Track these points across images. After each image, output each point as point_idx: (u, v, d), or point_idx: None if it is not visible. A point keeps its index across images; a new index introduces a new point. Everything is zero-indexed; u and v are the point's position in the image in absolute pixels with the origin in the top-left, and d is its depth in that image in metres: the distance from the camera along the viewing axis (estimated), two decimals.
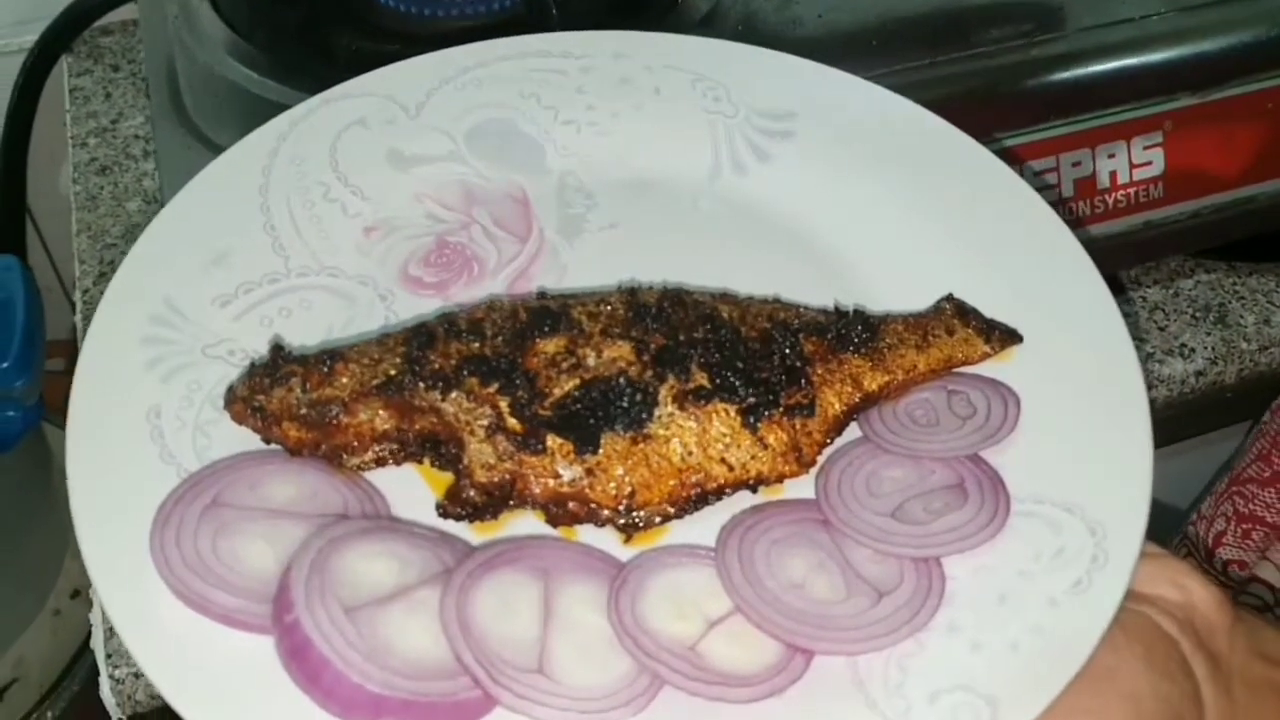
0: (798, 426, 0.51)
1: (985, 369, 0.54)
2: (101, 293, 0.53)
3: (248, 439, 0.51)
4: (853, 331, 0.53)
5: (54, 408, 0.96)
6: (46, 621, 0.99)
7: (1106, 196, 0.81)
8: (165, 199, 0.71)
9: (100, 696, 0.66)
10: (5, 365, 0.85)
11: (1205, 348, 0.85)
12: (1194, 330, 0.86)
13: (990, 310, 0.56)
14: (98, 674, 0.67)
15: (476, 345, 0.51)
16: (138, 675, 0.66)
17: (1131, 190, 0.82)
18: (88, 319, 0.80)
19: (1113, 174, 0.81)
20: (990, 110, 0.77)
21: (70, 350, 0.97)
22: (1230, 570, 0.92)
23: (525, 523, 0.50)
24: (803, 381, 0.51)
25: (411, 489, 0.50)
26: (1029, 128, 0.78)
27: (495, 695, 0.43)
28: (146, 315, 0.54)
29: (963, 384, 0.54)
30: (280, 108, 0.63)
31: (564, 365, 0.50)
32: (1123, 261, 0.88)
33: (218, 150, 0.72)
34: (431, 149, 0.62)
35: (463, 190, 0.61)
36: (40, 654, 1.00)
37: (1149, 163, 0.82)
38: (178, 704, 0.42)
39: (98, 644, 0.65)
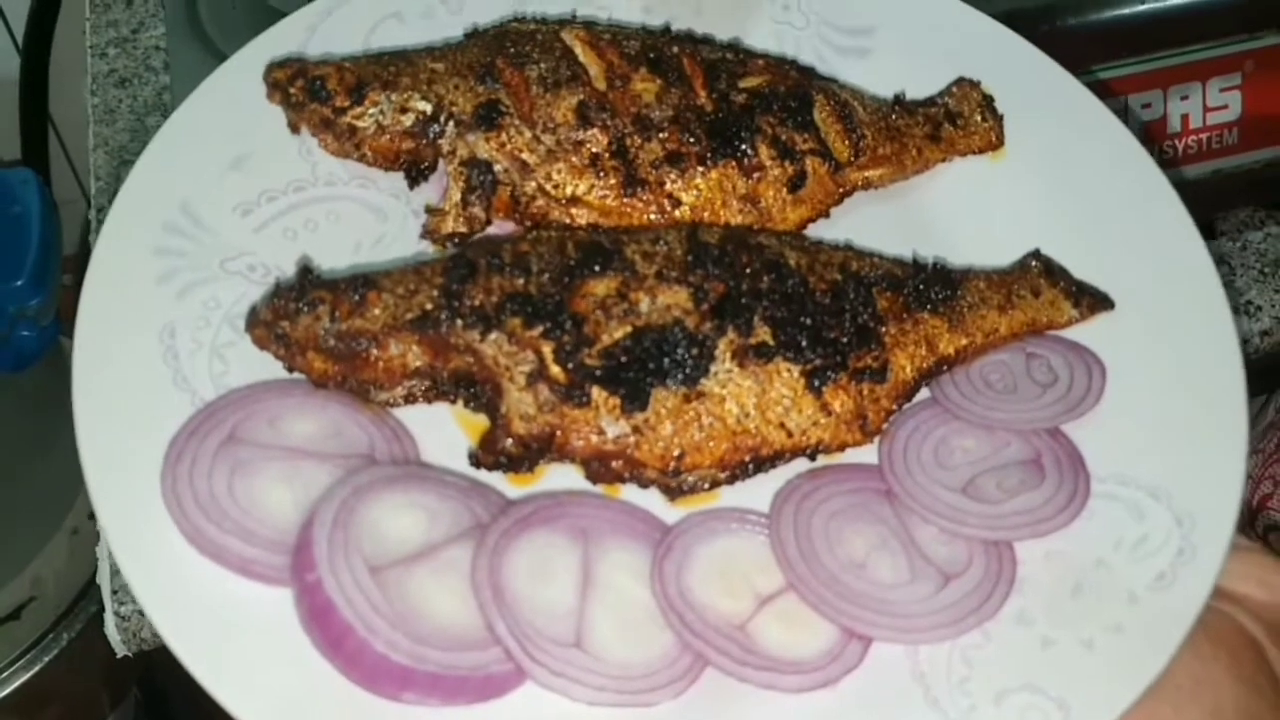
0: (865, 392, 0.46)
1: (1068, 332, 0.50)
2: None
3: (268, 365, 0.47)
4: (931, 288, 0.49)
5: (73, 323, 0.94)
6: (64, 541, 0.97)
7: (1176, 141, 0.76)
8: None
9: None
10: (20, 283, 0.81)
11: (1273, 305, 0.79)
12: (1261, 286, 0.79)
13: (1075, 266, 0.51)
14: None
15: (521, 281, 0.46)
16: (144, 613, 0.62)
17: (1204, 135, 0.76)
18: None
19: (1184, 117, 0.76)
20: (1054, 45, 0.69)
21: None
22: (1270, 537, 0.89)
23: (564, 473, 0.46)
24: (874, 343, 0.47)
25: (442, 430, 0.47)
26: (1096, 65, 0.72)
27: (529, 671, 0.40)
28: (160, 223, 0.49)
29: (1043, 347, 0.49)
30: None
31: (615, 310, 0.46)
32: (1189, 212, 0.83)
33: None
34: None
35: None
36: (57, 573, 0.98)
37: (1225, 106, 0.76)
38: (187, 658, 0.39)
39: (104, 578, 0.62)
